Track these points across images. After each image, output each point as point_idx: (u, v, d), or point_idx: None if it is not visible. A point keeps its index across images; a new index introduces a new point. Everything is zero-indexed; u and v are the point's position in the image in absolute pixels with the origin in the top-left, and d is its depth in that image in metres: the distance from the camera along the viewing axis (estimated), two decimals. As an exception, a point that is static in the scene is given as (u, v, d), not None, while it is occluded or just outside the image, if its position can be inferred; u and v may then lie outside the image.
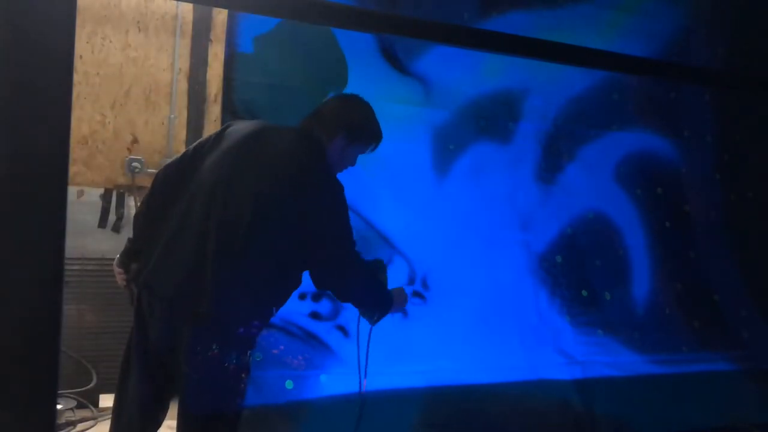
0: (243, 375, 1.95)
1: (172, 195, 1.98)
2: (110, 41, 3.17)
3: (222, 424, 1.95)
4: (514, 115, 2.97)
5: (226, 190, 1.89)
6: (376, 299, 2.09)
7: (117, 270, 2.07)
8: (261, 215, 1.87)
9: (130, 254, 2.06)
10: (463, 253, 2.78)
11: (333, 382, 2.39)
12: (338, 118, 2.06)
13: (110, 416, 2.08)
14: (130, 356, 2.02)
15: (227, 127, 2.06)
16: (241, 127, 2.04)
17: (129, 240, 2.09)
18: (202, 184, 1.93)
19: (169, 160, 2.16)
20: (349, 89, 2.62)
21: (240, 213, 1.86)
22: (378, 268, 2.12)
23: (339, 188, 1.98)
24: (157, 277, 1.92)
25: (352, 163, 2.14)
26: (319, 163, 1.99)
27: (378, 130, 2.12)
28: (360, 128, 2.09)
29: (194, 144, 2.07)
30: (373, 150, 2.14)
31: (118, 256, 2.08)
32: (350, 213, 1.99)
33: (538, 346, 2.81)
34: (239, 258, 1.86)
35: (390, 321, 2.55)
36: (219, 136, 2.02)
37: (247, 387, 1.96)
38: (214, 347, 1.86)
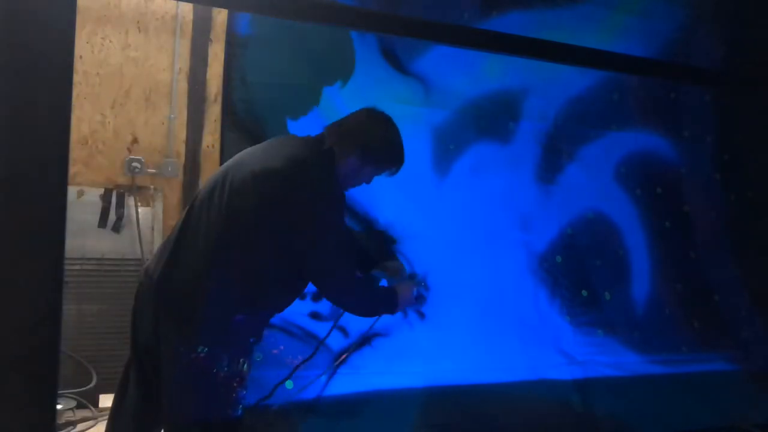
0: (234, 384, 1.87)
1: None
2: (110, 41, 3.17)
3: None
4: (514, 115, 2.97)
5: (227, 194, 1.87)
6: (376, 309, 2.09)
7: None
8: (252, 222, 1.83)
9: None
10: (463, 253, 2.78)
11: (333, 382, 2.39)
12: (359, 134, 1.98)
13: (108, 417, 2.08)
14: (129, 366, 2.00)
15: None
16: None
17: None
18: (211, 191, 1.92)
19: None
20: (349, 89, 2.62)
21: (234, 218, 1.83)
22: (375, 279, 2.13)
23: (335, 204, 1.90)
24: (157, 282, 1.90)
25: (368, 182, 2.08)
26: (320, 174, 1.91)
27: (399, 156, 2.04)
28: (378, 151, 2.02)
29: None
30: (391, 174, 2.08)
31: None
32: (348, 225, 1.95)
33: (538, 346, 2.81)
34: (230, 264, 1.82)
35: (389, 321, 2.57)
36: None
37: (241, 396, 1.89)
38: (199, 353, 1.80)
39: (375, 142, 2.01)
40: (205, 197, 1.90)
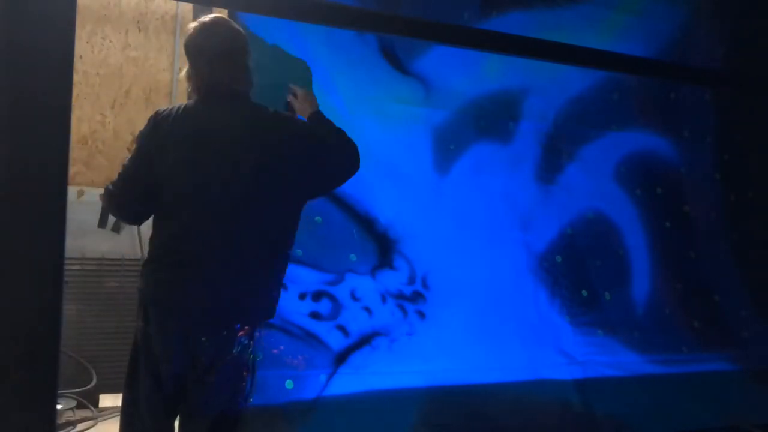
0: (245, 373, 1.97)
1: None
2: (110, 41, 3.17)
3: (226, 422, 1.95)
4: (514, 115, 2.97)
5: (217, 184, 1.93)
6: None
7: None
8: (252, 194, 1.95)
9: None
10: (463, 253, 2.78)
11: (333, 382, 2.39)
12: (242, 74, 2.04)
13: (114, 418, 2.06)
14: (137, 366, 1.99)
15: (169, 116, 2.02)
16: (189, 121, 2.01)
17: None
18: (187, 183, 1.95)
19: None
20: (349, 89, 2.62)
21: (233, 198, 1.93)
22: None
23: (290, 121, 2.13)
24: (174, 291, 1.93)
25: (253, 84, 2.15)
26: (266, 109, 2.07)
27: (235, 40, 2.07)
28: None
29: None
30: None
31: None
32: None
33: (538, 346, 2.81)
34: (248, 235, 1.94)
35: (390, 320, 2.57)
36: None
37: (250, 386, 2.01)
38: (228, 337, 1.90)
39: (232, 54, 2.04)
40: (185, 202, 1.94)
